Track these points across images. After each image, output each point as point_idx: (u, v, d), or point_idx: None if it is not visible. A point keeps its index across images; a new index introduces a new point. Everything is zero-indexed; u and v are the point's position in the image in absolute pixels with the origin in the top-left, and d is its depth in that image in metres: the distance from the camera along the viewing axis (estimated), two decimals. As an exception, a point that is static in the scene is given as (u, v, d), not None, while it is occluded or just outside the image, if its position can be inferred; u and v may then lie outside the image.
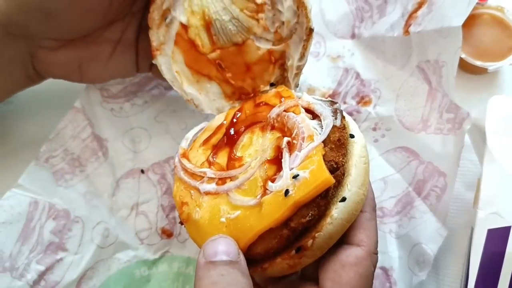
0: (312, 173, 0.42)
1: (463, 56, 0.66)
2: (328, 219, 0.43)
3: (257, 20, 0.53)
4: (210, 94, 0.57)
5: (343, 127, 0.47)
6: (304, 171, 0.43)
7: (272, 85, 0.56)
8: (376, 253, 0.46)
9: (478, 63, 0.66)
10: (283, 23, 0.53)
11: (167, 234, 0.65)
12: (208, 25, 0.54)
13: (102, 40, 0.57)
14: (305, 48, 0.54)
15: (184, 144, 0.54)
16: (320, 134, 0.45)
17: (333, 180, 0.43)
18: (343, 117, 0.48)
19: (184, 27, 0.54)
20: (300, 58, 0.55)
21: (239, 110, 0.54)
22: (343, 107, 0.66)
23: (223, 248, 0.43)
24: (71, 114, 0.64)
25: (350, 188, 0.44)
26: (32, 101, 0.68)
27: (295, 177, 0.43)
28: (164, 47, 0.55)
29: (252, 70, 0.55)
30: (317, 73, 0.68)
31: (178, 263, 0.64)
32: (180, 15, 0.54)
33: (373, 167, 0.62)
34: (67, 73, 0.59)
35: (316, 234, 0.43)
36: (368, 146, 0.63)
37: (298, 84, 0.57)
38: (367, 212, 0.48)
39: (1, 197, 0.58)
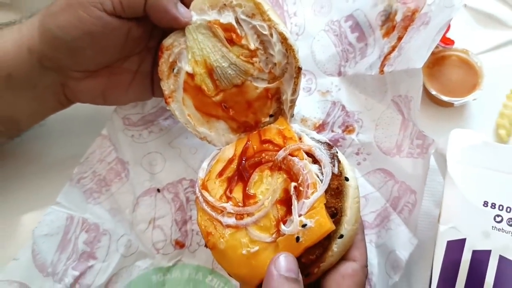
0: (317, 223, 0.52)
1: (433, 92, 0.75)
2: (330, 253, 0.54)
3: (252, 63, 0.61)
4: (219, 131, 0.64)
5: (340, 174, 0.57)
6: (310, 220, 0.52)
7: (271, 116, 0.64)
8: (367, 266, 0.56)
9: (446, 98, 0.75)
10: (275, 64, 0.61)
11: (179, 245, 0.73)
12: (210, 71, 0.62)
13: (122, 71, 0.66)
14: (296, 84, 0.61)
15: (202, 174, 0.61)
16: (321, 181, 0.55)
17: (334, 227, 0.53)
18: (339, 162, 0.58)
19: (190, 75, 0.62)
20: (293, 92, 0.62)
21: (247, 142, 0.62)
22: (331, 135, 0.75)
23: (293, 267, 0.50)
24: (99, 140, 0.73)
25: (346, 227, 0.54)
26: (62, 123, 0.76)
27: (303, 226, 0.52)
28: (175, 94, 0.63)
29: (253, 106, 0.63)
30: (309, 106, 0.77)
31: (189, 270, 0.73)
32: (185, 66, 0.61)
33: (356, 187, 0.72)
34: (92, 99, 0.68)
35: (321, 264, 0.54)
36: (351, 168, 0.73)
37: (293, 115, 0.65)
38: (359, 234, 0.57)
39: (38, 209, 0.68)
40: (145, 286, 0.71)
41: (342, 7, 0.77)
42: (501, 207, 0.59)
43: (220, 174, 0.60)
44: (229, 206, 0.56)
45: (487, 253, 0.58)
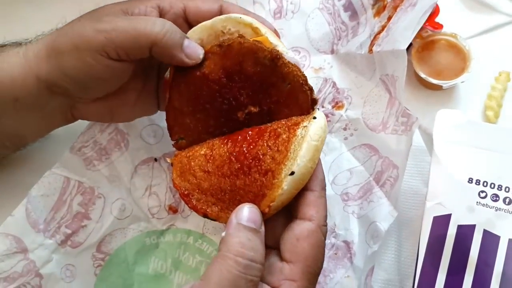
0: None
1: (423, 75, 0.77)
2: (280, 191, 0.52)
3: None
4: None
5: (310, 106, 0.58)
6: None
7: None
8: (325, 225, 0.54)
9: (435, 81, 0.76)
10: None
11: (173, 210, 0.77)
12: None
13: (128, 90, 0.66)
14: None
15: None
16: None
17: (269, 47, 0.55)
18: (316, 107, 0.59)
19: None
20: None
21: None
22: (321, 109, 0.78)
23: (252, 216, 0.51)
24: None
25: (299, 163, 0.52)
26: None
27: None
28: None
29: None
30: (302, 82, 0.79)
31: (181, 234, 0.76)
32: None
33: (342, 160, 0.75)
34: (99, 118, 0.69)
35: (271, 204, 0.52)
36: (338, 143, 0.76)
37: None
38: (316, 191, 0.54)
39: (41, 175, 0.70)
40: (139, 247, 0.75)
41: (336, -14, 0.78)
42: (485, 183, 0.61)
43: None
44: None
45: (472, 227, 0.59)
